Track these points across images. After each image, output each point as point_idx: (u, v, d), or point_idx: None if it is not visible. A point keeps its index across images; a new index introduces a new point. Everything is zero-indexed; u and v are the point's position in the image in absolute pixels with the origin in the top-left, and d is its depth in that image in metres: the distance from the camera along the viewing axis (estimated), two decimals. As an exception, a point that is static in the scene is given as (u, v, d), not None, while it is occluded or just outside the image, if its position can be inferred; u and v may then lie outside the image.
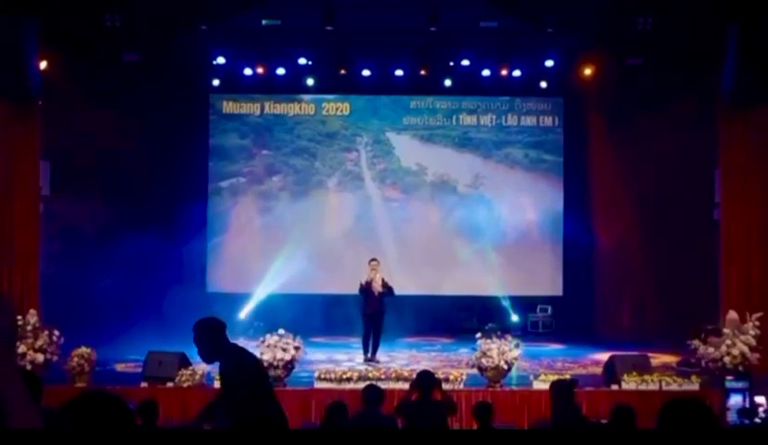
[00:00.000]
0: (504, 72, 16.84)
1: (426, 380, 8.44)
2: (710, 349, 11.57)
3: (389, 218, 18.05)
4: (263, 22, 15.25)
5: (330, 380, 11.22)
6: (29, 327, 11.25)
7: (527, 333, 16.60)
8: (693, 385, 11.30)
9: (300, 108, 18.11)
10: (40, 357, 11.11)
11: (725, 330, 11.68)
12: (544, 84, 17.39)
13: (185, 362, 11.40)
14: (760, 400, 10.21)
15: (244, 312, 16.98)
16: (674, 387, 11.23)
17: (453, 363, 13.33)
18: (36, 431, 2.44)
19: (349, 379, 11.20)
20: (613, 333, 16.12)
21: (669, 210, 15.66)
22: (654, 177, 16.02)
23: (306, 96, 18.01)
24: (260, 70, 16.85)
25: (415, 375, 9.08)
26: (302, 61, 16.88)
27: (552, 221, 18.02)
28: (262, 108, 18.11)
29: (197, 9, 13.98)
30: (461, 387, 11.07)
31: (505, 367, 11.34)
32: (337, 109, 18.12)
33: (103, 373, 11.92)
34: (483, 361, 11.30)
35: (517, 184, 18.02)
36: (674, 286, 15.36)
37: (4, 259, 12.74)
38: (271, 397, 5.89)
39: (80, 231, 15.17)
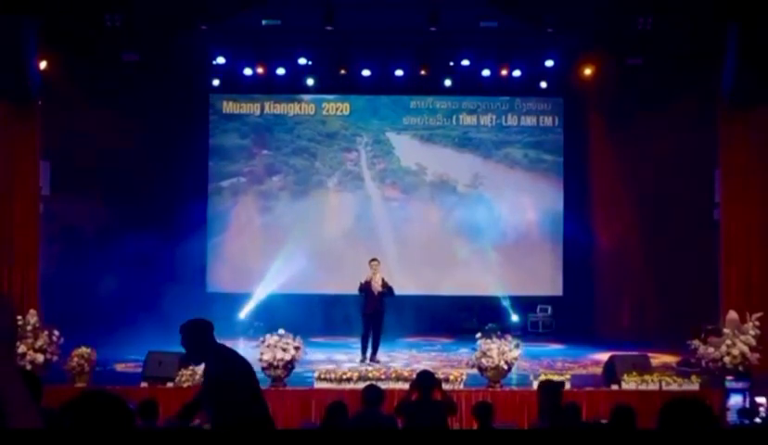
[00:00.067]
0: (504, 72, 16.84)
1: (426, 380, 8.44)
2: (710, 349, 11.58)
3: (388, 218, 18.05)
4: (263, 22, 15.24)
5: (330, 380, 11.22)
6: (29, 327, 11.25)
7: (527, 333, 16.59)
8: (693, 385, 11.30)
9: (300, 108, 18.12)
10: (40, 357, 11.11)
11: (725, 330, 11.68)
12: (544, 84, 17.39)
13: (184, 362, 11.38)
14: (760, 400, 10.22)
15: (244, 312, 16.99)
16: (674, 387, 11.23)
17: (453, 363, 13.33)
18: (36, 431, 2.44)
19: (349, 379, 11.21)
20: (613, 333, 16.12)
21: (669, 210, 15.66)
22: (654, 177, 16.02)
23: (306, 96, 18.01)
24: (260, 70, 16.85)
25: (415, 375, 9.08)
26: (302, 61, 16.88)
27: (552, 221, 18.02)
28: (262, 108, 18.11)
29: (197, 9, 13.98)
30: (461, 387, 11.07)
31: (505, 367, 11.34)
32: (337, 109, 18.12)
33: (103, 373, 11.92)
34: (483, 361, 11.30)
35: (516, 184, 18.02)
36: (674, 286, 15.36)
37: (4, 259, 12.75)
38: (258, 399, 5.86)
39: (80, 231, 15.17)
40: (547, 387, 7.98)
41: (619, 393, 10.97)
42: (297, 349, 11.31)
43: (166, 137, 16.59)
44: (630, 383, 11.22)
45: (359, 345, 13.91)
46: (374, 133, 18.18)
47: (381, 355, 13.79)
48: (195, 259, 16.90)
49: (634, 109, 16.12)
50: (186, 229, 16.52)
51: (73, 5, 12.79)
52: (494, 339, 11.49)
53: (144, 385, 11.06)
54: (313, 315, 16.35)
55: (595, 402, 10.81)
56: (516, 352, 11.51)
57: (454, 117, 18.14)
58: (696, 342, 11.77)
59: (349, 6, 14.49)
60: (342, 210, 18.04)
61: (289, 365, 11.28)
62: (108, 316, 14.59)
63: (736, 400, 10.51)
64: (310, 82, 17.42)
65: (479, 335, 11.73)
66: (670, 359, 13.61)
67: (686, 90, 14.33)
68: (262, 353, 11.27)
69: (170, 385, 10.98)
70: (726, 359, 11.38)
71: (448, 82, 17.31)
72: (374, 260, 13.93)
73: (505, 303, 17.51)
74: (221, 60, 16.84)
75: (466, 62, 16.79)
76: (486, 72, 16.94)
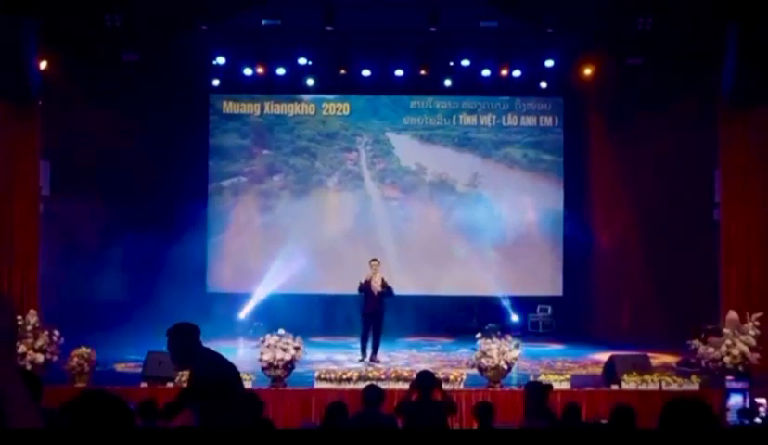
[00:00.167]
0: (504, 72, 16.83)
1: (426, 380, 8.44)
2: (710, 349, 11.58)
3: (388, 217, 18.06)
4: (263, 22, 15.24)
5: (330, 380, 11.22)
6: (29, 327, 11.26)
7: (527, 333, 16.59)
8: (693, 385, 11.30)
9: (301, 108, 18.12)
10: (40, 357, 11.11)
11: (725, 330, 11.69)
12: (543, 84, 17.39)
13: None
14: (760, 400, 10.22)
15: (244, 312, 16.98)
16: (674, 387, 11.23)
17: (453, 363, 13.33)
18: (36, 431, 2.44)
19: (349, 379, 11.21)
20: (613, 333, 16.11)
21: (669, 210, 15.65)
22: (654, 177, 16.01)
23: (306, 96, 18.02)
24: (260, 70, 16.85)
25: (415, 375, 9.08)
26: (302, 61, 16.88)
27: (552, 221, 18.02)
28: (263, 108, 18.11)
29: (197, 9, 13.98)
30: (461, 387, 11.07)
31: (505, 367, 11.35)
32: (337, 109, 18.12)
33: (103, 373, 11.92)
34: (483, 361, 11.30)
35: (516, 184, 18.03)
36: (674, 286, 15.36)
37: (4, 259, 12.75)
38: (243, 403, 5.84)
39: (80, 231, 15.16)
40: (534, 387, 7.99)
41: (619, 393, 10.98)
42: (297, 349, 11.31)
43: (166, 137, 16.58)
44: (630, 383, 11.22)
45: (359, 345, 13.92)
46: (374, 133, 18.18)
47: (381, 355, 13.80)
48: (195, 259, 16.89)
49: (634, 109, 16.11)
50: (186, 229, 16.51)
51: (73, 5, 12.79)
52: (494, 339, 11.49)
53: (144, 385, 11.06)
54: (313, 315, 16.38)
55: (595, 402, 10.81)
56: (516, 352, 11.51)
57: (454, 117, 18.14)
58: (696, 342, 11.78)
59: (349, 6, 14.49)
60: (342, 210, 18.05)
61: (289, 365, 11.28)
62: (108, 316, 14.59)
63: (735, 400, 10.51)
64: (310, 82, 17.42)
65: (479, 335, 11.74)
66: (670, 359, 13.61)
67: (686, 90, 14.33)
68: (262, 353, 11.27)
69: (170, 385, 10.98)
70: (726, 359, 11.38)
71: (448, 82, 17.31)
72: (374, 260, 13.94)
73: (505, 303, 17.51)
74: (221, 60, 16.84)
75: (466, 62, 16.79)
76: (486, 72, 16.93)
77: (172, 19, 13.89)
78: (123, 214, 15.73)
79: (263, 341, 11.37)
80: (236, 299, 17.15)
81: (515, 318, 17.47)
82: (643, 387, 11.16)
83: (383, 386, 8.85)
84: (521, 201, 18.05)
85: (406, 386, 9.50)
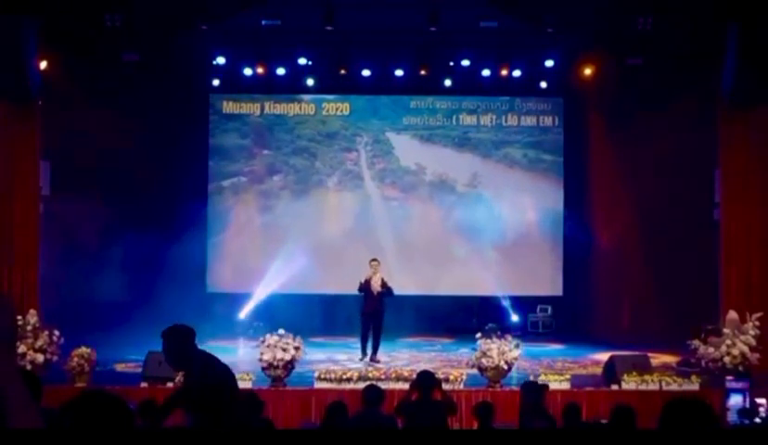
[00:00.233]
0: (504, 72, 16.83)
1: (426, 380, 8.44)
2: (710, 349, 11.58)
3: (388, 217, 18.07)
4: (263, 22, 15.24)
5: (330, 380, 11.22)
6: (29, 327, 11.26)
7: (527, 333, 16.59)
8: (693, 385, 11.30)
9: (301, 108, 18.12)
10: (40, 357, 11.12)
11: (725, 330, 11.69)
12: (543, 84, 17.39)
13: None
14: (760, 400, 10.22)
15: (244, 312, 16.98)
16: (674, 387, 11.23)
17: (453, 363, 13.33)
18: (36, 431, 2.44)
19: (349, 379, 11.21)
20: (613, 333, 16.11)
21: (669, 210, 15.65)
22: (654, 177, 16.00)
23: (306, 96, 18.02)
24: (260, 70, 16.85)
25: (415, 375, 9.09)
26: (302, 61, 16.88)
27: (552, 221, 18.02)
28: (263, 108, 18.11)
29: (197, 9, 13.98)
30: (461, 387, 11.07)
31: (505, 367, 11.35)
32: (337, 109, 18.12)
33: (103, 373, 11.92)
34: (483, 361, 11.30)
35: (516, 184, 18.03)
36: (674, 286, 15.35)
37: (4, 259, 12.75)
38: (239, 406, 5.82)
39: (80, 231, 15.16)
40: (529, 387, 8.00)
41: (619, 393, 10.98)
42: (297, 349, 11.31)
43: (166, 137, 16.58)
44: (630, 383, 11.22)
45: (359, 345, 13.92)
46: (374, 132, 18.18)
47: (381, 355, 13.80)
48: (195, 259, 16.89)
49: (634, 109, 16.11)
50: (186, 229, 16.51)
51: (73, 5, 12.79)
52: (494, 339, 11.49)
53: (144, 385, 11.06)
54: (313, 315, 16.37)
55: (595, 402, 10.82)
56: (516, 352, 11.52)
57: (454, 117, 18.14)
58: (696, 342, 11.78)
59: (349, 6, 14.49)
60: (342, 210, 18.05)
61: (289, 365, 11.28)
62: (108, 316, 14.59)
63: (735, 400, 10.51)
64: (310, 82, 17.42)
65: (479, 335, 11.75)
66: (670, 359, 13.61)
67: (686, 90, 14.32)
68: (262, 353, 11.28)
69: (170, 385, 10.96)
70: (726, 359, 11.38)
71: (448, 82, 17.31)
72: (374, 260, 13.95)
73: (505, 303, 17.51)
74: (221, 60, 16.84)
75: (466, 62, 16.79)
76: (486, 72, 16.93)
77: (172, 19, 13.89)
78: (123, 214, 15.73)
79: (263, 341, 11.37)
80: (236, 299, 17.16)
81: (515, 318, 17.47)
82: (643, 387, 11.16)
83: (383, 386, 8.85)
84: (521, 201, 18.05)
85: (406, 386, 9.50)
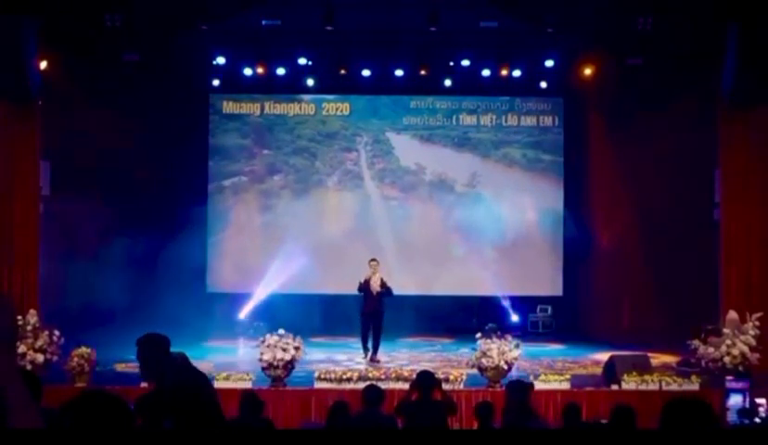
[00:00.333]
0: (504, 72, 16.83)
1: (426, 380, 8.44)
2: (710, 349, 11.58)
3: (387, 216, 18.08)
4: (263, 22, 15.24)
5: (330, 380, 11.23)
6: (29, 327, 11.26)
7: (527, 333, 16.58)
8: (693, 385, 11.30)
9: (301, 108, 18.12)
10: (40, 357, 11.12)
11: (725, 330, 11.69)
12: (543, 84, 17.39)
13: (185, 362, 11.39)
14: (760, 400, 10.22)
15: (244, 312, 16.98)
16: (674, 387, 11.24)
17: (453, 363, 13.33)
18: (36, 431, 2.44)
19: (349, 379, 11.21)
20: (613, 333, 16.10)
21: (669, 210, 15.64)
22: (654, 177, 16.00)
23: (306, 96, 18.02)
24: (260, 70, 16.84)
25: (415, 375, 9.08)
26: (302, 61, 16.88)
27: (552, 221, 18.02)
28: (263, 108, 18.11)
29: (197, 9, 13.97)
30: (461, 387, 11.08)
31: (505, 367, 11.35)
32: (337, 109, 18.12)
33: (103, 373, 11.91)
34: (483, 361, 11.30)
35: (516, 184, 18.03)
36: (674, 286, 15.35)
37: (4, 259, 12.75)
38: (216, 417, 5.78)
39: (80, 231, 15.16)
40: (514, 386, 7.99)
41: (619, 393, 10.98)
42: (297, 349, 11.31)
43: (166, 137, 16.57)
44: (630, 383, 11.22)
45: (359, 345, 13.93)
46: (374, 132, 18.18)
47: (381, 355, 13.80)
48: (195, 259, 16.89)
49: (634, 109, 16.10)
50: (186, 229, 16.51)
51: (73, 5, 12.79)
52: (494, 339, 11.50)
53: (144, 385, 11.04)
54: (313, 315, 16.38)
55: (595, 402, 10.82)
56: (516, 352, 11.52)
57: (454, 117, 18.14)
58: (696, 342, 11.78)
59: (349, 6, 14.49)
60: (342, 210, 18.06)
61: (289, 365, 11.28)
62: (108, 316, 14.58)
63: (735, 400, 10.52)
64: (310, 82, 17.42)
65: (479, 335, 11.75)
66: (670, 359, 13.61)
67: (686, 90, 14.32)
68: (262, 353, 11.28)
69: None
70: (726, 359, 11.38)
71: (448, 82, 17.31)
72: (373, 260, 13.95)
73: (505, 303, 17.51)
74: (221, 60, 16.84)
75: (466, 62, 16.79)
76: (486, 72, 16.93)
77: (172, 18, 13.88)
78: (123, 214, 15.72)
79: (263, 341, 11.37)
80: (237, 299, 17.16)
81: (515, 318, 17.47)
82: (643, 387, 11.17)
83: (383, 386, 8.85)
84: (521, 201, 18.05)
85: (406, 386, 9.50)
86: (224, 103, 18.07)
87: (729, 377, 11.06)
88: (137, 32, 13.57)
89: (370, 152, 18.18)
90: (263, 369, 11.30)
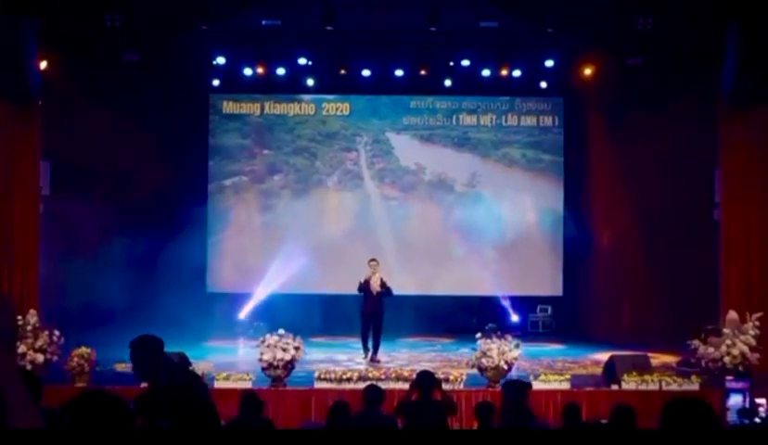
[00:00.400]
0: (504, 72, 16.82)
1: (426, 380, 8.44)
2: (710, 349, 11.58)
3: (387, 216, 18.08)
4: (263, 22, 15.24)
5: (330, 380, 11.23)
6: (29, 327, 11.26)
7: (527, 333, 16.58)
8: (693, 385, 11.30)
9: (301, 108, 18.12)
10: (40, 357, 11.12)
11: (725, 330, 11.69)
12: (543, 84, 17.39)
13: (185, 362, 11.39)
14: (760, 400, 10.22)
15: (244, 312, 16.99)
16: (674, 387, 11.24)
17: (453, 363, 13.33)
18: (36, 431, 2.44)
19: (349, 379, 11.21)
20: (613, 333, 16.11)
21: (669, 210, 15.64)
22: (654, 177, 16.00)
23: (306, 96, 18.02)
24: (260, 70, 16.84)
25: (415, 375, 9.08)
26: (302, 61, 16.88)
27: (552, 221, 18.02)
28: (263, 108, 18.12)
29: (197, 9, 13.97)
30: (461, 387, 11.08)
31: (505, 367, 11.35)
32: (337, 109, 18.12)
33: (103, 373, 11.91)
34: (483, 361, 11.31)
35: (516, 184, 18.04)
36: (674, 286, 15.35)
37: (4, 259, 12.74)
38: (210, 418, 5.77)
39: (80, 231, 15.16)
40: (511, 386, 7.99)
41: (619, 393, 10.98)
42: (297, 349, 11.31)
43: (166, 137, 16.56)
44: (630, 383, 11.22)
45: (359, 345, 13.94)
46: (374, 132, 18.19)
47: (381, 355, 13.80)
48: (195, 259, 16.90)
49: (634, 109, 16.09)
50: (187, 229, 16.52)
51: (73, 5, 12.78)
52: (494, 339, 11.50)
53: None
54: (313, 315, 16.38)
55: (595, 402, 10.82)
56: (516, 352, 11.52)
57: (454, 117, 18.14)
58: (696, 342, 11.78)
59: (349, 6, 14.50)
60: (342, 209, 18.07)
61: (289, 365, 11.28)
62: (108, 316, 14.58)
63: (735, 400, 10.51)
64: (310, 82, 17.42)
65: (479, 335, 11.75)
66: (670, 359, 13.61)
67: (686, 90, 14.32)
68: (262, 353, 11.28)
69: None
70: (726, 359, 11.38)
71: (448, 82, 17.31)
72: (372, 260, 13.95)
73: (505, 303, 17.51)
74: (221, 60, 16.84)
75: (466, 62, 16.78)
76: (486, 72, 16.93)
77: (172, 18, 13.87)
78: (123, 214, 15.72)
79: (263, 341, 11.37)
80: (237, 299, 17.16)
81: (515, 318, 17.47)
82: (643, 387, 11.16)
83: (383, 386, 8.85)
84: (521, 201, 18.06)
85: (406, 386, 9.50)
86: (224, 103, 18.07)
87: (729, 377, 11.06)
88: (137, 32, 13.56)
89: (370, 152, 18.18)
90: (263, 369, 11.30)
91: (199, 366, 11.73)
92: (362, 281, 13.65)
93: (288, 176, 18.16)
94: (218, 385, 11.12)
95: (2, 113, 12.83)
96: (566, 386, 11.29)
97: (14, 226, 12.85)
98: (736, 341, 11.46)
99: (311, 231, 17.66)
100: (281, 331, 11.45)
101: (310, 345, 12.70)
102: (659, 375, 11.52)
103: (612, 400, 9.88)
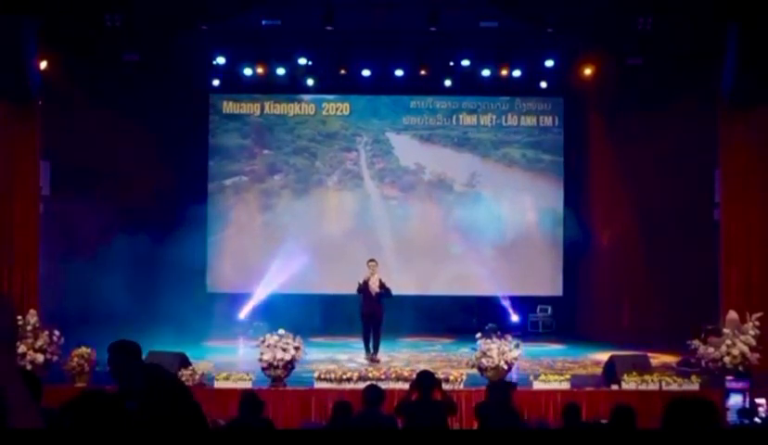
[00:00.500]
0: (504, 72, 16.82)
1: (426, 380, 8.44)
2: (710, 349, 11.58)
3: (387, 216, 18.09)
4: (263, 22, 15.24)
5: (330, 380, 11.22)
6: (29, 327, 11.26)
7: (527, 333, 16.59)
8: (693, 385, 11.30)
9: (301, 109, 18.12)
10: (40, 357, 11.12)
11: (725, 330, 11.69)
12: (543, 84, 17.38)
13: (185, 362, 11.41)
14: (760, 400, 10.22)
15: (244, 312, 16.99)
16: (674, 387, 11.23)
17: (453, 363, 13.33)
18: (36, 431, 2.44)
19: (349, 379, 11.21)
20: (613, 333, 16.11)
21: (669, 210, 15.65)
22: (654, 177, 16.00)
23: (306, 96, 18.02)
24: (260, 70, 16.84)
25: (415, 375, 9.08)
26: (302, 61, 16.87)
27: (552, 220, 18.02)
28: (263, 108, 18.11)
29: (197, 9, 13.97)
30: (461, 387, 11.07)
31: (505, 367, 11.35)
32: (337, 109, 18.12)
33: (103, 373, 11.86)
34: (483, 361, 11.31)
35: (516, 184, 18.03)
36: (674, 286, 15.35)
37: (4, 259, 12.75)
38: (194, 413, 5.74)
39: (80, 231, 15.16)
40: (496, 386, 8.00)
41: (619, 393, 10.98)
42: (297, 349, 11.31)
43: (166, 137, 16.56)
44: (630, 383, 11.22)
45: (359, 345, 13.97)
46: (374, 132, 18.19)
47: (381, 355, 13.80)
48: (195, 258, 16.90)
49: (634, 109, 16.09)
50: (187, 229, 16.50)
51: (73, 5, 12.78)
52: (494, 339, 11.50)
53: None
54: (313, 315, 16.38)
55: (595, 402, 10.81)
56: (516, 352, 11.52)
57: (454, 117, 18.14)
58: (696, 342, 11.78)
59: (349, 6, 14.49)
60: (342, 209, 18.07)
61: (289, 365, 11.28)
62: (108, 316, 14.57)
63: (735, 400, 10.51)
64: (310, 82, 17.41)
65: (479, 335, 11.75)
66: (670, 359, 13.61)
67: (686, 90, 14.32)
68: (262, 353, 11.28)
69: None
70: (726, 359, 11.38)
71: (448, 82, 17.31)
72: (371, 260, 13.95)
73: (505, 303, 17.51)
74: (221, 60, 16.83)
75: (466, 62, 16.78)
76: (486, 72, 16.92)
77: (172, 18, 13.87)
78: (123, 214, 15.72)
79: (263, 341, 11.37)
80: (237, 299, 17.16)
81: (515, 318, 17.47)
82: (643, 387, 11.16)
83: (383, 386, 8.85)
84: (521, 201, 18.05)
85: (406, 386, 9.50)
86: (224, 103, 18.07)
87: (729, 377, 11.06)
88: (137, 32, 13.56)
89: (370, 152, 18.18)
90: (263, 369, 11.30)
91: (199, 366, 11.75)
92: (360, 282, 13.64)
93: (288, 176, 18.16)
94: (218, 385, 11.13)
95: (2, 113, 12.83)
96: (566, 386, 11.29)
97: (14, 226, 12.85)
98: (736, 341, 11.46)
99: (311, 231, 17.66)
100: (281, 331, 11.45)
101: (310, 345, 12.70)
102: (659, 375, 11.51)
103: (612, 400, 9.88)
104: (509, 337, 11.73)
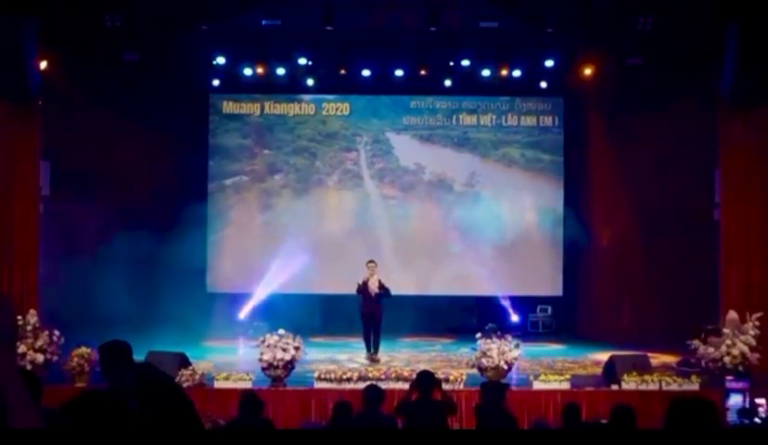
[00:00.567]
0: (504, 72, 16.81)
1: (426, 380, 8.44)
2: (710, 349, 11.58)
3: (387, 216, 18.09)
4: (263, 22, 15.24)
5: (330, 380, 11.22)
6: (29, 327, 11.26)
7: (527, 333, 16.58)
8: (693, 385, 11.30)
9: (301, 109, 18.12)
10: (40, 357, 11.12)
11: (725, 330, 11.69)
12: (543, 84, 17.37)
13: (185, 362, 11.41)
14: (759, 400, 10.22)
15: (244, 312, 16.99)
16: (674, 387, 11.23)
17: (453, 363, 13.33)
18: (36, 431, 2.44)
19: (349, 379, 11.21)
20: (613, 333, 16.11)
21: (669, 210, 15.65)
22: (654, 177, 16.01)
23: (306, 96, 18.02)
24: (260, 70, 16.83)
25: (415, 375, 9.08)
26: (302, 61, 16.86)
27: (552, 221, 18.02)
28: (263, 108, 18.11)
29: (197, 9, 13.97)
30: (461, 387, 11.07)
31: (505, 367, 11.35)
32: (337, 109, 18.12)
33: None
34: (483, 361, 11.31)
35: (516, 184, 18.03)
36: (674, 286, 15.36)
37: (4, 259, 12.75)
38: (187, 410, 5.73)
39: (80, 231, 15.16)
40: (489, 386, 8.00)
41: (619, 393, 10.98)
42: (297, 349, 11.31)
43: (166, 137, 16.57)
44: (630, 383, 11.22)
45: (359, 345, 13.98)
46: (374, 132, 18.19)
47: (381, 355, 13.80)
48: (195, 258, 16.90)
49: (634, 109, 16.10)
50: (187, 229, 16.50)
51: (73, 5, 12.78)
52: (494, 339, 11.50)
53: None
54: (314, 315, 16.37)
55: (595, 402, 10.81)
56: (516, 352, 11.52)
57: (454, 117, 18.14)
58: (696, 342, 11.78)
59: (349, 6, 14.50)
60: (342, 209, 18.07)
61: (289, 365, 11.28)
62: (108, 316, 14.57)
63: (735, 400, 10.51)
64: (310, 82, 17.41)
65: (479, 335, 11.75)
66: (670, 359, 13.61)
67: (686, 90, 14.32)
68: (262, 353, 11.28)
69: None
70: (726, 359, 11.38)
71: (448, 82, 17.30)
72: (371, 261, 13.94)
73: (505, 303, 17.51)
74: (221, 60, 16.82)
75: (466, 62, 16.77)
76: (486, 72, 16.91)
77: (172, 18, 13.88)
78: (123, 214, 15.72)
79: (263, 341, 11.37)
80: (237, 299, 17.16)
81: (515, 318, 17.46)
82: (643, 387, 11.16)
83: (383, 386, 8.85)
84: (521, 201, 18.05)
85: (406, 386, 9.50)
86: (224, 103, 18.07)
87: (729, 377, 11.06)
88: (137, 32, 13.56)
89: (370, 152, 18.18)
90: (263, 369, 11.30)
91: (199, 366, 11.75)
92: (360, 283, 13.64)
93: (289, 176, 18.16)
94: (218, 385, 11.13)
95: (2, 113, 12.84)
96: (566, 386, 11.29)
97: (14, 226, 12.85)
98: (736, 341, 11.46)
99: (311, 230, 17.66)
100: (281, 331, 11.45)
101: (310, 345, 12.69)
102: (659, 375, 11.51)
103: (612, 400, 9.87)
104: (509, 337, 11.73)
